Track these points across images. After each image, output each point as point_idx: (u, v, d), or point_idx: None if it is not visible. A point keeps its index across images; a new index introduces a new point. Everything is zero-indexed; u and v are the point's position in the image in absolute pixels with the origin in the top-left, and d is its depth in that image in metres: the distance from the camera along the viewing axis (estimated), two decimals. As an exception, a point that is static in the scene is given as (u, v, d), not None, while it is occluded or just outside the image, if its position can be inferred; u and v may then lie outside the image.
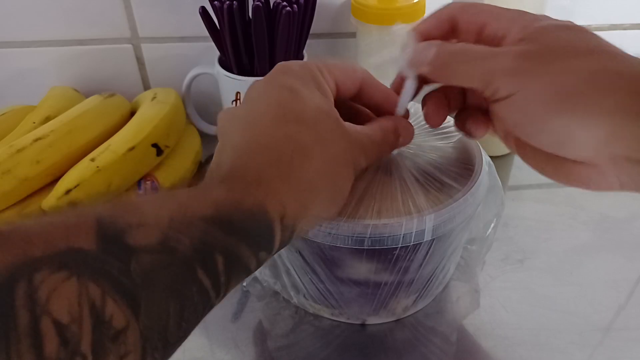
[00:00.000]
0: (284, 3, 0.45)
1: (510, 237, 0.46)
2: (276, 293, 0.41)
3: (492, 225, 0.39)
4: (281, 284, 0.39)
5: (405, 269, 0.34)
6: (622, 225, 0.47)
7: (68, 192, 0.41)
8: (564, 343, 0.37)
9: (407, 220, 0.31)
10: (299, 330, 0.39)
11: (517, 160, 0.55)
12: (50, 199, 0.41)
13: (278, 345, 0.38)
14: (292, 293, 0.39)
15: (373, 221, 0.31)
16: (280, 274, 0.38)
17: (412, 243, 0.32)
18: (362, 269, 0.34)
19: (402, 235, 0.31)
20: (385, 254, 0.32)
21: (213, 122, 0.57)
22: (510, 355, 0.37)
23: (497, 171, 0.37)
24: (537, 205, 0.50)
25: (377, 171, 0.34)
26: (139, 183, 0.45)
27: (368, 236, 0.31)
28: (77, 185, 0.41)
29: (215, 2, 0.45)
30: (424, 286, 0.37)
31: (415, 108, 0.37)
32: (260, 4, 0.44)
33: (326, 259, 0.34)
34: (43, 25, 0.54)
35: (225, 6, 0.45)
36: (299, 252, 0.34)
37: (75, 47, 0.55)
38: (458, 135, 0.38)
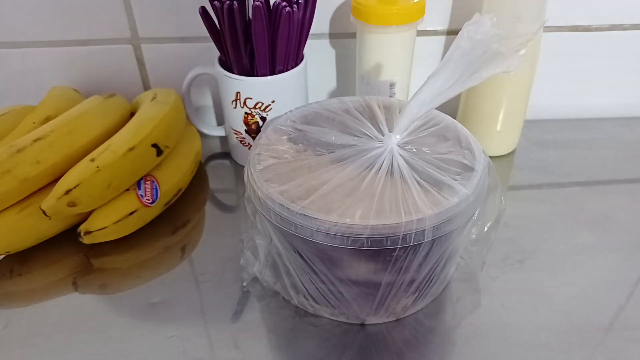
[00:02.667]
0: (284, 3, 0.45)
1: (510, 237, 0.46)
2: (276, 293, 0.41)
3: (493, 225, 0.39)
4: (281, 284, 0.39)
5: (405, 269, 0.34)
6: (622, 225, 0.47)
7: (68, 192, 0.41)
8: (564, 343, 0.37)
9: (406, 221, 0.31)
10: (299, 330, 0.39)
11: (517, 160, 0.55)
12: (50, 199, 0.41)
13: (278, 345, 0.38)
14: (292, 293, 0.39)
15: (372, 222, 0.31)
16: (281, 274, 0.38)
17: (411, 244, 0.32)
18: (361, 269, 0.34)
19: (401, 236, 0.31)
20: (385, 254, 0.32)
21: (213, 123, 0.57)
22: (511, 356, 0.37)
23: (497, 171, 0.37)
24: (537, 205, 0.50)
25: (377, 172, 0.34)
26: (138, 183, 0.45)
27: (367, 236, 0.31)
28: (77, 185, 0.41)
29: (216, 2, 0.45)
30: (424, 286, 0.37)
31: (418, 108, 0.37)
32: (261, 4, 0.44)
33: (326, 259, 0.34)
34: (43, 26, 0.54)
35: (225, 6, 0.45)
36: (299, 252, 0.34)
37: (75, 47, 0.55)
38: (458, 136, 0.38)
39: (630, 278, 0.42)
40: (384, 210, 0.32)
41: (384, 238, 0.31)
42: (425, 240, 0.32)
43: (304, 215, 0.32)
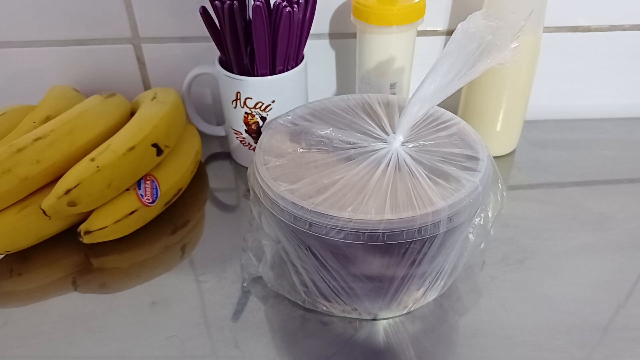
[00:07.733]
0: (285, 3, 0.45)
1: (510, 237, 0.46)
2: (278, 293, 0.40)
3: (495, 215, 0.39)
4: (289, 284, 0.39)
5: (419, 262, 0.34)
6: (622, 225, 0.47)
7: (68, 191, 0.41)
8: (564, 343, 0.38)
9: (422, 214, 0.31)
10: (300, 330, 0.39)
11: (517, 160, 0.56)
12: (50, 199, 0.41)
13: (279, 345, 0.38)
14: (301, 292, 0.39)
15: (388, 216, 0.31)
16: (289, 274, 0.38)
17: (427, 236, 0.32)
18: (375, 264, 0.34)
19: (417, 229, 0.31)
20: (399, 248, 0.32)
21: (213, 122, 0.57)
22: (510, 355, 0.37)
23: (497, 171, 0.37)
24: (537, 205, 0.50)
25: (385, 168, 0.34)
26: (138, 183, 0.45)
27: (383, 231, 0.31)
28: (77, 184, 0.41)
29: (216, 2, 0.45)
30: (435, 278, 0.37)
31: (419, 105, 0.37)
32: (261, 4, 0.44)
33: (340, 256, 0.34)
34: (44, 25, 0.54)
35: (225, 6, 0.45)
36: (311, 250, 0.34)
37: (75, 47, 0.55)
38: (457, 128, 0.38)
39: (629, 278, 0.42)
40: (397, 205, 0.32)
41: (400, 232, 0.31)
42: (441, 232, 0.32)
43: (319, 212, 0.32)
